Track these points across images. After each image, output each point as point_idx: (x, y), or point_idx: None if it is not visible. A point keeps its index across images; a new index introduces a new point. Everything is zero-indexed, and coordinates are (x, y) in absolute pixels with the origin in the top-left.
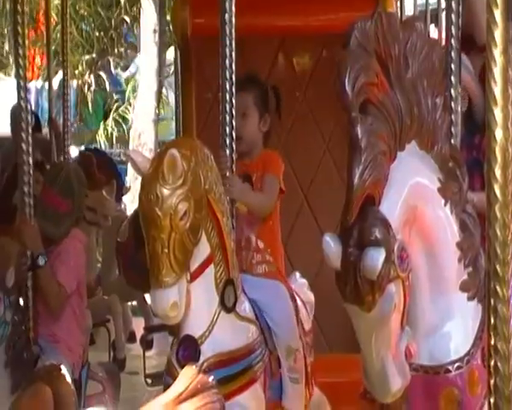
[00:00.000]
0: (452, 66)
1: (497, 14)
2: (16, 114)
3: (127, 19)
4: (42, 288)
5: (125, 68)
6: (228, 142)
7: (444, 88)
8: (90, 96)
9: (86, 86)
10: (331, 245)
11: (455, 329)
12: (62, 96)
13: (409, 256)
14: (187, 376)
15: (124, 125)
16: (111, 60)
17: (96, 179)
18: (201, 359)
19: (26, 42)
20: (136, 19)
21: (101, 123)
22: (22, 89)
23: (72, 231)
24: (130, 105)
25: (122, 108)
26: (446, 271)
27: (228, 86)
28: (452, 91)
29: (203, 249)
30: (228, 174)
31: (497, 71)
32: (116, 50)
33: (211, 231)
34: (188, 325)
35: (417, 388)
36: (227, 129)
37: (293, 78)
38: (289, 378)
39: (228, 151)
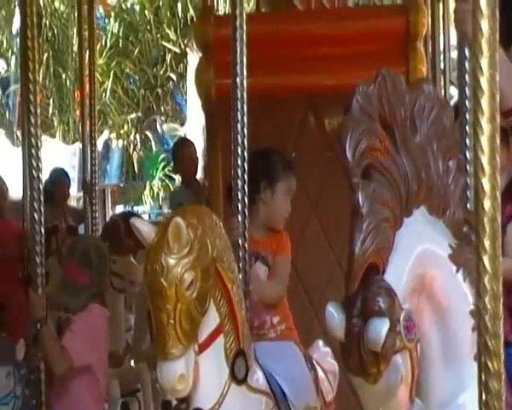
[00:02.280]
0: (467, 128)
1: (484, 81)
2: (54, 180)
3: (173, 76)
4: (44, 351)
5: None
6: (240, 208)
7: (457, 150)
8: (135, 156)
9: (132, 146)
10: (334, 315)
11: (469, 401)
12: (90, 158)
13: (417, 326)
14: None
15: (170, 185)
16: (157, 118)
17: (123, 245)
18: None
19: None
20: (182, 76)
21: (147, 184)
22: (33, 156)
23: (90, 305)
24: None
25: (168, 167)
26: (459, 340)
27: (240, 151)
28: (467, 154)
29: (212, 319)
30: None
31: (484, 139)
32: (162, 109)
33: (220, 300)
34: (196, 398)
35: None
36: (239, 195)
37: (323, 138)
38: None
39: (240, 218)
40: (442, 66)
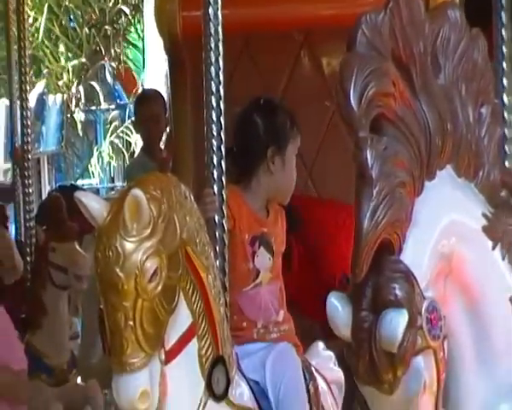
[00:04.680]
0: (504, 64)
1: None
2: None
3: (126, 9)
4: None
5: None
6: (216, 175)
7: (492, 94)
8: (78, 115)
9: (74, 101)
10: (338, 308)
11: None
12: (20, 120)
13: (444, 319)
14: None
15: (125, 152)
16: (106, 65)
17: (65, 228)
18: None
19: None
20: (138, 9)
21: (95, 150)
22: None
23: None
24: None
25: (122, 128)
26: (498, 335)
27: (214, 102)
28: (505, 98)
29: (182, 319)
30: (205, 191)
31: None
32: (113, 52)
33: (192, 295)
34: None
35: None
36: (214, 158)
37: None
38: None
39: (216, 188)
40: None
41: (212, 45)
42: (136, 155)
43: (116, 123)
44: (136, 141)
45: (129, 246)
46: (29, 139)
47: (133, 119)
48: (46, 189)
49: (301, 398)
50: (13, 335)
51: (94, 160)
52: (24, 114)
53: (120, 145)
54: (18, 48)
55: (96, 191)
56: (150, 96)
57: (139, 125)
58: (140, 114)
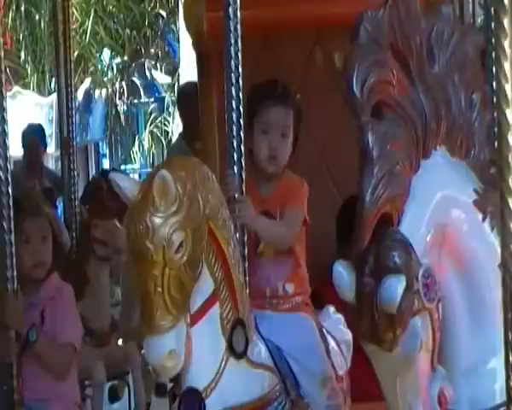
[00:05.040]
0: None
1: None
2: (27, 137)
3: (163, 13)
4: (43, 361)
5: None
6: (236, 157)
7: (482, 82)
8: (121, 107)
9: (117, 95)
10: (343, 274)
11: (500, 366)
12: (66, 112)
13: (438, 283)
14: None
15: (163, 140)
16: (146, 62)
17: (106, 207)
18: None
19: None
20: (174, 12)
21: (136, 138)
22: None
23: (53, 277)
24: (170, 115)
25: (160, 118)
26: (487, 298)
27: (234, 92)
28: (494, 84)
29: (205, 286)
30: (237, 196)
31: (507, 65)
32: (152, 51)
33: (214, 264)
34: (190, 376)
35: None
36: (234, 143)
37: (332, 73)
38: (328, 407)
39: (236, 169)
40: None
41: (232, 41)
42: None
43: (155, 114)
44: (173, 130)
45: (157, 221)
46: (75, 130)
47: (171, 110)
48: (92, 173)
49: (319, 358)
50: (73, 311)
51: (135, 147)
52: (71, 107)
53: (159, 134)
54: (64, 48)
55: (138, 176)
56: (189, 88)
57: (180, 113)
58: (180, 104)
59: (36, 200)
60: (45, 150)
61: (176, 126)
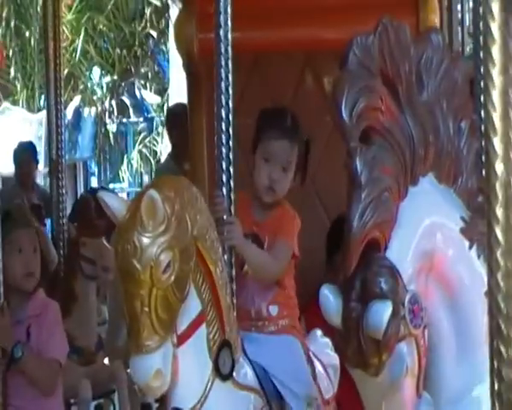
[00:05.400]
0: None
1: (495, 27)
2: (18, 155)
3: (154, 33)
4: (29, 377)
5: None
6: (225, 179)
7: (471, 110)
8: (111, 126)
9: (107, 114)
10: (330, 299)
11: (486, 394)
12: (55, 130)
13: (424, 310)
14: None
15: (152, 160)
16: (136, 82)
17: (94, 226)
18: None
19: None
20: (164, 33)
21: (125, 157)
22: None
23: (39, 292)
24: (159, 135)
25: (149, 138)
26: (474, 325)
27: (224, 114)
28: (482, 113)
29: (192, 307)
30: (225, 217)
31: (495, 93)
32: (142, 70)
33: (201, 285)
34: (175, 397)
35: None
36: (223, 164)
37: (322, 96)
38: None
39: (225, 190)
40: (460, 16)
41: (223, 63)
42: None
43: (144, 134)
44: (162, 150)
45: (145, 241)
46: (64, 147)
47: (160, 130)
48: (81, 191)
49: (305, 379)
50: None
51: (124, 166)
52: (60, 124)
53: (148, 154)
54: (54, 65)
55: (126, 195)
56: (178, 109)
57: (169, 133)
58: (169, 124)
59: (26, 213)
60: (37, 167)
61: (165, 147)
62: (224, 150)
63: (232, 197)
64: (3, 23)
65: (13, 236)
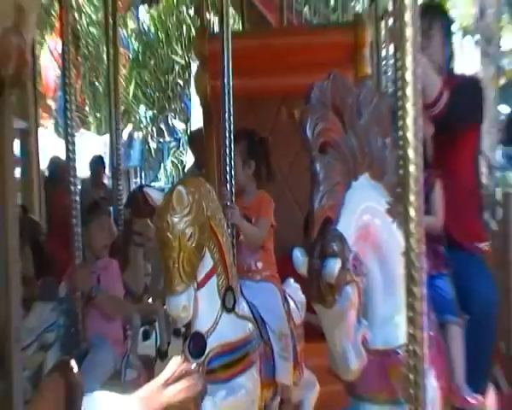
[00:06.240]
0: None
1: (408, 74)
2: (92, 164)
3: (181, 82)
4: (101, 309)
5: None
6: (228, 179)
7: (392, 131)
8: (152, 144)
9: (149, 137)
10: (299, 257)
11: (403, 321)
12: (115, 147)
13: (362, 264)
14: (173, 365)
15: (179, 166)
16: (169, 115)
17: (141, 210)
18: (208, 349)
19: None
20: (187, 82)
21: (162, 165)
22: (69, 146)
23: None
24: (184, 150)
25: (178, 152)
26: (395, 274)
27: (227, 138)
28: (400, 133)
29: (207, 263)
30: (229, 204)
31: (408, 119)
32: (173, 107)
33: (213, 249)
34: (196, 323)
35: (373, 366)
36: (227, 169)
37: (293, 126)
38: (280, 356)
39: (228, 187)
40: (384, 68)
41: (226, 102)
42: (188, 167)
43: (174, 149)
44: (187, 160)
45: (175, 220)
46: (121, 159)
47: (185, 146)
48: (132, 187)
49: (280, 316)
50: (118, 278)
51: (161, 171)
52: (118, 142)
53: (177, 162)
54: (115, 104)
55: (162, 190)
56: (197, 133)
57: (191, 149)
58: (196, 141)
59: (104, 205)
60: (104, 172)
61: (188, 158)
62: (227, 160)
63: (233, 191)
64: (82, 77)
65: (101, 219)
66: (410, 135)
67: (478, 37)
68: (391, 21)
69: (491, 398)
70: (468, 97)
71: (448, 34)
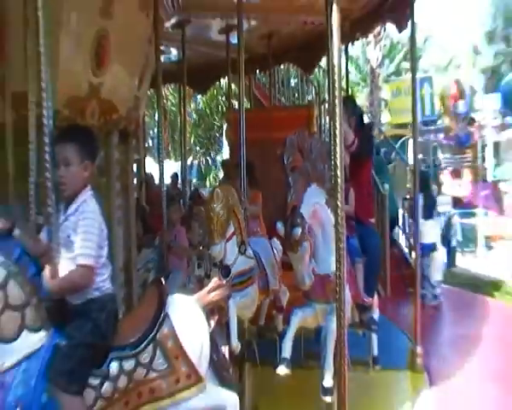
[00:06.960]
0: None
1: (338, 132)
2: (171, 177)
3: (217, 134)
4: (176, 255)
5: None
6: (242, 188)
7: (329, 162)
8: (203, 168)
9: (202, 163)
10: (280, 227)
11: (333, 260)
12: (184, 168)
13: (312, 230)
14: (213, 281)
15: (216, 178)
16: (211, 151)
17: (197, 201)
18: (231, 273)
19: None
20: (221, 134)
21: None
22: (161, 166)
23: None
24: (219, 170)
25: (216, 171)
26: (331, 237)
27: (243, 161)
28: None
29: (231, 228)
30: (242, 199)
31: (338, 157)
32: (215, 146)
33: (234, 221)
34: (225, 260)
35: (317, 283)
36: (243, 181)
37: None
38: (271, 276)
39: (242, 189)
40: (323, 127)
41: (242, 145)
42: (221, 178)
43: (215, 171)
44: (220, 175)
45: (214, 206)
46: (186, 176)
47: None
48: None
49: (270, 255)
50: (185, 237)
51: (208, 184)
52: (185, 167)
53: (215, 176)
54: (184, 144)
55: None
56: (227, 160)
57: (223, 169)
58: (228, 166)
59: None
60: (178, 182)
61: (221, 174)
62: (243, 175)
63: (245, 190)
64: (168, 129)
65: (176, 205)
66: (338, 162)
67: None
68: (327, 105)
69: (375, 300)
70: (367, 142)
71: (355, 111)
